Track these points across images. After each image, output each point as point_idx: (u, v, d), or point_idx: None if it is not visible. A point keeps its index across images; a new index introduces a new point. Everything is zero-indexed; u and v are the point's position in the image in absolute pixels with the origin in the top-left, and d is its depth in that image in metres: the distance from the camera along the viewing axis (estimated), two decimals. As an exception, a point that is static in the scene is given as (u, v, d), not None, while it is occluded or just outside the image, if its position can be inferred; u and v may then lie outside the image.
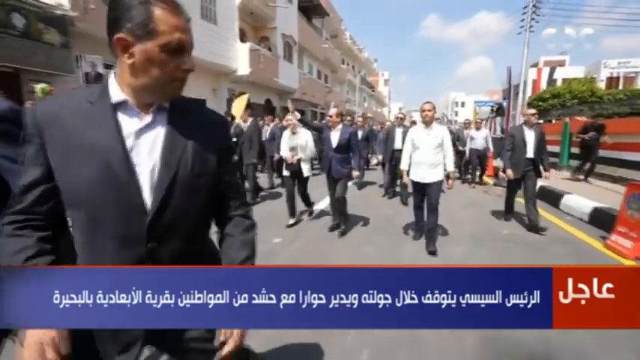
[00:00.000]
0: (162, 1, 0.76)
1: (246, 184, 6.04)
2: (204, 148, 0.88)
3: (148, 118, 0.83)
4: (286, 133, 4.74)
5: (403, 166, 3.99)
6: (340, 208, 4.47)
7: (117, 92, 0.81)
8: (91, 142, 0.77)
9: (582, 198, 5.57)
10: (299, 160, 4.52)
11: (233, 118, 7.21)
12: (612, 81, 32.51)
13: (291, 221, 4.75)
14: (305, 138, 4.58)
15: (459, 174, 9.02)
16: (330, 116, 4.36)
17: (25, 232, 0.80)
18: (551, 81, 34.26)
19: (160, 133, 0.84)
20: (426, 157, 3.74)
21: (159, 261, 0.85)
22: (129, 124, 0.81)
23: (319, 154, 8.19)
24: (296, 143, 4.54)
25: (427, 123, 3.76)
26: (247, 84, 14.67)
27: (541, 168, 4.60)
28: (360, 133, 7.58)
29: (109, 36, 0.76)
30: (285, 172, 4.73)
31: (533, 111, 4.71)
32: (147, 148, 0.82)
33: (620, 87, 30.35)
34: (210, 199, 0.93)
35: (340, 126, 4.35)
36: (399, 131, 6.33)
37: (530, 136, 4.51)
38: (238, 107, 7.55)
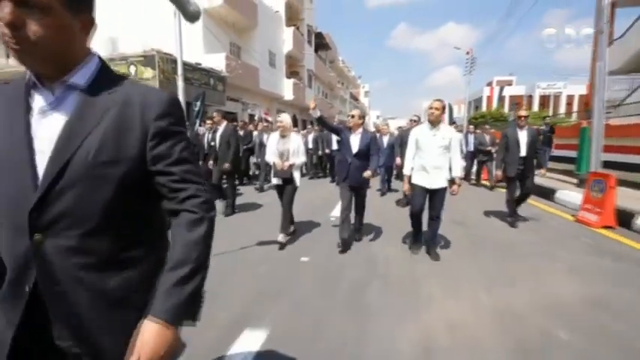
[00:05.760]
0: None
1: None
2: (122, 131, 0.72)
3: (51, 97, 0.71)
4: (274, 137, 4.12)
5: (406, 170, 3.64)
6: (360, 220, 4.30)
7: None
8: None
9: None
10: (290, 167, 3.93)
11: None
12: (544, 99, 40.55)
13: (284, 239, 3.98)
14: (296, 143, 4.02)
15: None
16: (353, 116, 3.84)
17: None
18: (501, 97, 42.40)
19: (65, 113, 0.71)
20: (431, 160, 3.43)
21: (48, 257, 0.68)
22: (36, 103, 0.72)
23: (320, 158, 9.48)
24: (286, 148, 3.98)
25: (433, 123, 3.41)
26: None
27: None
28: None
29: None
30: (275, 180, 4.07)
31: (523, 113, 4.77)
32: (49, 130, 0.69)
33: (551, 104, 38.32)
34: (143, 192, 0.77)
35: (361, 130, 3.88)
36: None
37: (523, 136, 4.66)
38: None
